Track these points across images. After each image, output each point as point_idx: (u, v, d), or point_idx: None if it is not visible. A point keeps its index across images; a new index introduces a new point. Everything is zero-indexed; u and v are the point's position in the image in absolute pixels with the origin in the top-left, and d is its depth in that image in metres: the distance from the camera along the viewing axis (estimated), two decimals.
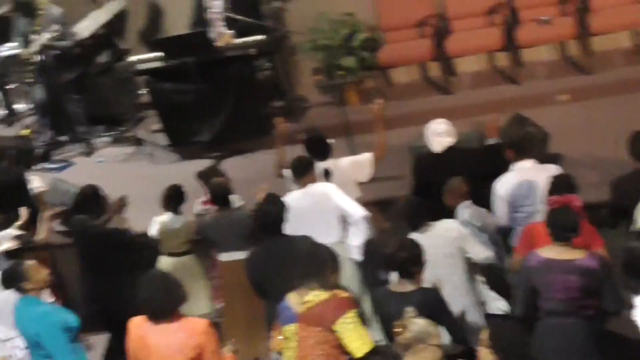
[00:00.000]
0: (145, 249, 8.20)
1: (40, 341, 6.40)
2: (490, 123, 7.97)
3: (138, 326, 5.87)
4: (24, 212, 8.12)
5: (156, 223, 8.17)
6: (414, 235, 6.42)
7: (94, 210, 8.03)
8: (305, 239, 6.60)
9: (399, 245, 6.00)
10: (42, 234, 8.15)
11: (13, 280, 6.62)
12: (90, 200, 8.11)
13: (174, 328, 5.73)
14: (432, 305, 5.72)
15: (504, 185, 7.22)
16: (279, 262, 6.47)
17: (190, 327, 5.75)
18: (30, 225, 8.59)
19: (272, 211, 6.77)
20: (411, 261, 5.92)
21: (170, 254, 8.19)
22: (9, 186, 8.91)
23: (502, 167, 7.39)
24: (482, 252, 6.72)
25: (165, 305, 5.76)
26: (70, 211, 8.57)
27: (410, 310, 5.13)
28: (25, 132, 11.31)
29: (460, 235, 6.67)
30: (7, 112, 12.17)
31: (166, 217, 8.16)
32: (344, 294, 5.80)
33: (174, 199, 8.18)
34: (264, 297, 6.84)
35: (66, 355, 6.38)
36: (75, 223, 8.21)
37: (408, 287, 5.88)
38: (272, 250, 6.68)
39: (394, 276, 6.16)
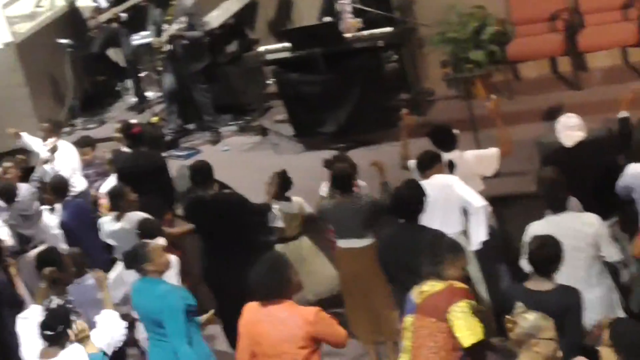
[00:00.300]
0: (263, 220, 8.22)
1: (161, 319, 6.53)
2: (628, 95, 7.78)
3: (251, 312, 5.89)
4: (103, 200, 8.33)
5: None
6: (548, 220, 6.37)
7: (206, 182, 8.10)
8: (435, 231, 6.54)
9: (540, 242, 5.88)
10: (176, 230, 8.29)
11: (135, 261, 6.77)
12: (201, 173, 8.16)
13: (284, 317, 5.72)
14: (571, 306, 5.63)
15: (634, 170, 7.03)
16: (407, 249, 6.42)
17: (299, 317, 5.71)
18: (167, 210, 8.81)
19: (408, 195, 6.74)
20: (552, 260, 5.81)
21: (286, 239, 8.27)
22: (150, 170, 9.08)
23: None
24: (615, 254, 6.62)
25: (274, 287, 5.76)
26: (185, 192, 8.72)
27: (520, 306, 5.04)
28: (155, 119, 11.51)
29: (598, 233, 6.57)
30: (137, 99, 12.43)
31: (280, 204, 8.22)
32: (460, 285, 5.73)
33: (282, 185, 8.23)
34: (393, 283, 6.83)
35: (182, 335, 6.49)
36: (190, 199, 8.32)
37: (545, 285, 5.77)
38: (402, 237, 6.65)
39: (525, 265, 6.05)
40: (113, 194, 8.48)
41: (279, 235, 8.32)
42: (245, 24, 11.99)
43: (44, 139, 10.13)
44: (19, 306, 7.60)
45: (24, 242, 9.06)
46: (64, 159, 9.92)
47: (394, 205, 6.83)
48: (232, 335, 6.76)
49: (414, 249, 6.21)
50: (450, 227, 7.00)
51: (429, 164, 7.51)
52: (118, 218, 8.37)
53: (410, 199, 6.70)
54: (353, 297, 7.82)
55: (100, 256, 8.72)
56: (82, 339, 6.14)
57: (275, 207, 8.16)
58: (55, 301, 6.80)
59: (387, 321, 7.57)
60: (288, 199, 8.34)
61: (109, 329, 6.62)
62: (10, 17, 11.53)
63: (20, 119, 10.96)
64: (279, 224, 8.22)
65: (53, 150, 9.84)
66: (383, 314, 7.59)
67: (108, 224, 8.48)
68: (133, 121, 9.68)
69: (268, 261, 5.91)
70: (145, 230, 7.72)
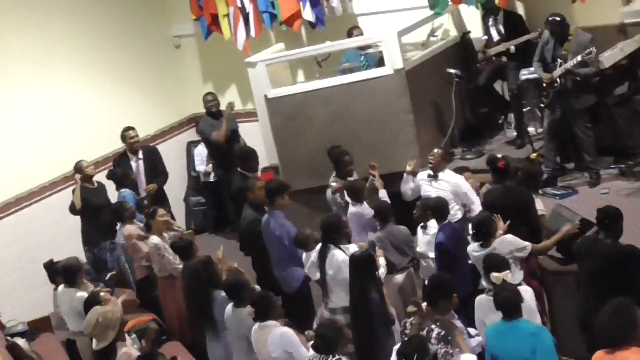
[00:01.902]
0: None
1: (534, 357, 6.59)
2: None
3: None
4: None
5: None
6: None
7: (612, 230, 7.90)
8: None
9: None
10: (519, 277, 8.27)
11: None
12: (610, 218, 8.02)
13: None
14: None
15: None
16: None
17: None
18: None
19: None
20: None
21: None
22: (514, 205, 9.10)
23: None
24: None
25: (617, 332, 5.67)
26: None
27: None
28: (534, 155, 11.41)
29: None
30: (517, 133, 12.37)
31: None
32: None
33: None
34: None
35: None
36: (583, 242, 8.20)
37: None
38: None
39: None
40: (480, 223, 8.63)
41: None
42: (638, 66, 11.56)
43: (432, 164, 10.31)
44: (390, 324, 8.04)
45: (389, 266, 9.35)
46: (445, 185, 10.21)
47: None
48: None
49: None
50: None
51: None
52: (483, 245, 8.50)
53: None
54: None
55: (464, 281, 8.87)
56: None
57: None
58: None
59: None
60: None
61: None
62: (404, 44, 11.88)
63: (404, 145, 11.25)
64: None
65: None
66: None
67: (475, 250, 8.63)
68: (499, 155, 9.71)
69: (613, 306, 5.81)
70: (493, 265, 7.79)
